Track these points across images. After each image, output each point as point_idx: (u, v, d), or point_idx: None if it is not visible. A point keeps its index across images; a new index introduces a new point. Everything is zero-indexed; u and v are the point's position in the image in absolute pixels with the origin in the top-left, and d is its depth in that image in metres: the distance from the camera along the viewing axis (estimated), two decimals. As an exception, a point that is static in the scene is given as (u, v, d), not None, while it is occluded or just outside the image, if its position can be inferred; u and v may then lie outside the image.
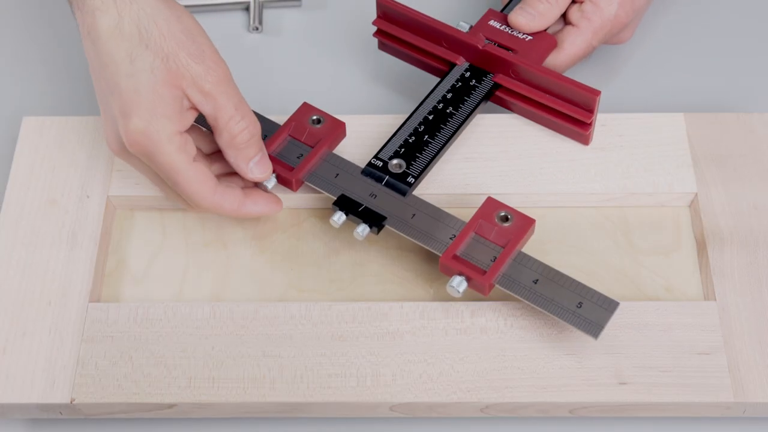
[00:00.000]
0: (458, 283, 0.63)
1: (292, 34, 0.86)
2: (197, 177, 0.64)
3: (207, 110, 0.64)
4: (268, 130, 0.70)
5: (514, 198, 0.70)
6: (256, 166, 0.66)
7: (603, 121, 0.73)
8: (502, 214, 0.65)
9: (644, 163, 0.71)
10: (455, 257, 0.64)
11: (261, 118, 0.71)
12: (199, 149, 0.67)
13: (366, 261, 0.69)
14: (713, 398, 0.62)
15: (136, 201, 0.71)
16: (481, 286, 0.63)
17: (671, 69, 0.82)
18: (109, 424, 0.66)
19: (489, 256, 0.64)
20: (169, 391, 0.62)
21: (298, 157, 0.69)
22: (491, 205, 0.66)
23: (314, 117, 0.70)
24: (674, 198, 0.70)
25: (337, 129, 0.70)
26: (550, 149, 0.72)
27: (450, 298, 0.67)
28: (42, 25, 0.86)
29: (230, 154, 0.66)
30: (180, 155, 0.63)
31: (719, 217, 0.69)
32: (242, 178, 0.68)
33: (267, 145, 0.68)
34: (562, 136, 0.72)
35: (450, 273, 0.64)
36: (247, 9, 0.87)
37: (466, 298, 0.67)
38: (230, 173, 0.68)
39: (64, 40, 0.85)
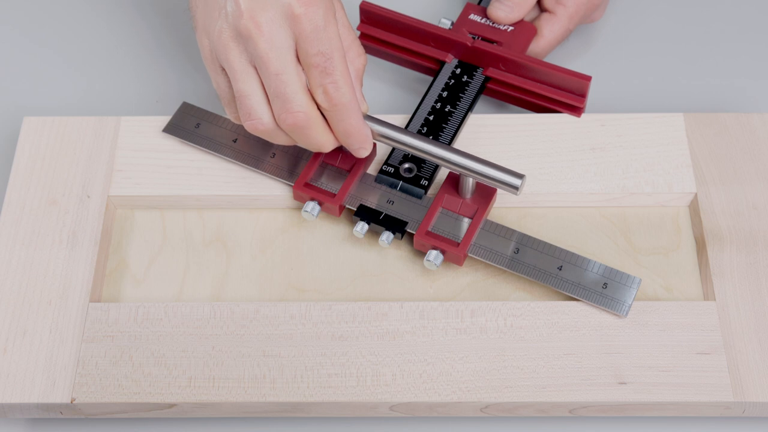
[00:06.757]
0: (434, 257, 0.66)
1: (292, 34, 0.86)
2: (337, 36, 0.62)
3: None
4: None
5: (514, 198, 0.70)
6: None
7: (602, 121, 0.73)
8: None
9: (644, 163, 0.71)
10: (428, 233, 0.66)
11: None
12: None
13: (366, 261, 0.69)
14: (713, 398, 0.62)
15: (136, 201, 0.71)
16: (456, 257, 0.66)
17: (671, 69, 0.82)
18: (109, 424, 0.66)
19: (460, 230, 0.67)
20: (170, 390, 0.62)
21: (334, 182, 0.69)
22: (453, 179, 0.68)
23: None
24: (674, 198, 0.70)
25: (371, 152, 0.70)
26: (550, 149, 0.72)
27: (450, 298, 0.67)
28: (42, 26, 0.86)
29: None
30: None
31: (719, 217, 0.69)
32: None
33: (302, 176, 0.68)
34: (561, 137, 0.72)
35: (425, 249, 0.67)
36: (247, 9, 0.87)
37: (465, 297, 0.67)
38: None
39: (65, 40, 0.85)
